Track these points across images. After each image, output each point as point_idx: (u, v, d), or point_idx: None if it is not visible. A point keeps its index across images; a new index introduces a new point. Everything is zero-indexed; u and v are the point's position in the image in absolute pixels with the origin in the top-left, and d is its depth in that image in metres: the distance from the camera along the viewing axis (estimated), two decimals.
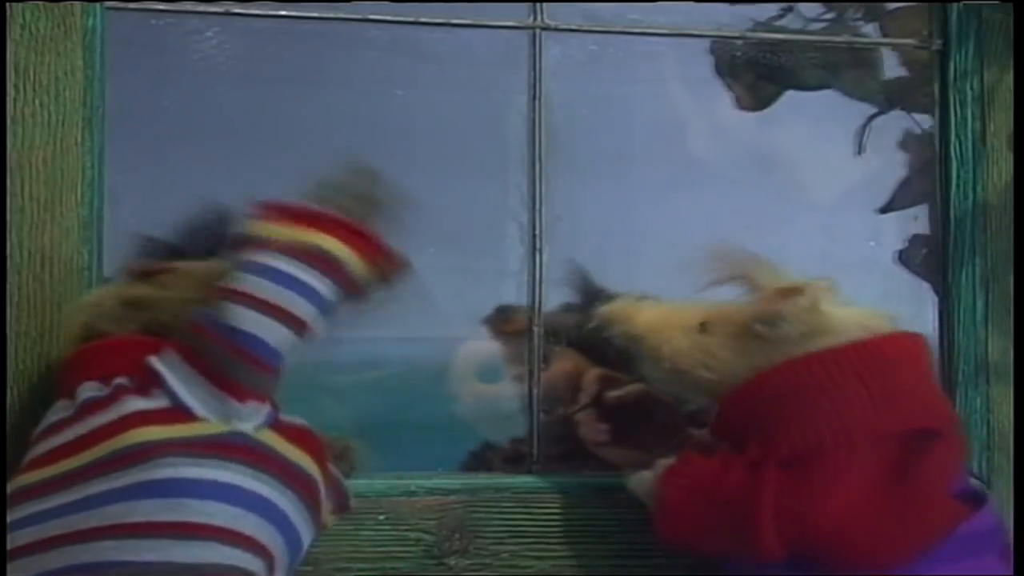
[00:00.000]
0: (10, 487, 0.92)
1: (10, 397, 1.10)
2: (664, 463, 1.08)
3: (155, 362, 0.92)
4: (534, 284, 1.26)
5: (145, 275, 1.05)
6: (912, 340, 1.05)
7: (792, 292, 1.01)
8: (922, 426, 1.01)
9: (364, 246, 0.96)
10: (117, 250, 1.18)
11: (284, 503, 0.90)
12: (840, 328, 1.01)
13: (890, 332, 1.04)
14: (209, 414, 0.90)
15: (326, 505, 0.99)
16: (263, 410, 0.93)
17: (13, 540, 0.87)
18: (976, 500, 1.03)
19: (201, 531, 0.85)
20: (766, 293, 1.03)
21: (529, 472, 1.24)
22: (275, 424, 0.94)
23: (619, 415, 1.26)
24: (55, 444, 0.92)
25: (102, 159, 1.16)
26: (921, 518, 0.97)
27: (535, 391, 1.25)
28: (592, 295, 1.29)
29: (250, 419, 0.91)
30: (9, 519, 0.89)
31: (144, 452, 0.87)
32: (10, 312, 1.11)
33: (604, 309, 1.12)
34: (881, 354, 1.01)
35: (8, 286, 1.11)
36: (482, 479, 1.23)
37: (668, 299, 1.17)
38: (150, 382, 0.92)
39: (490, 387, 1.33)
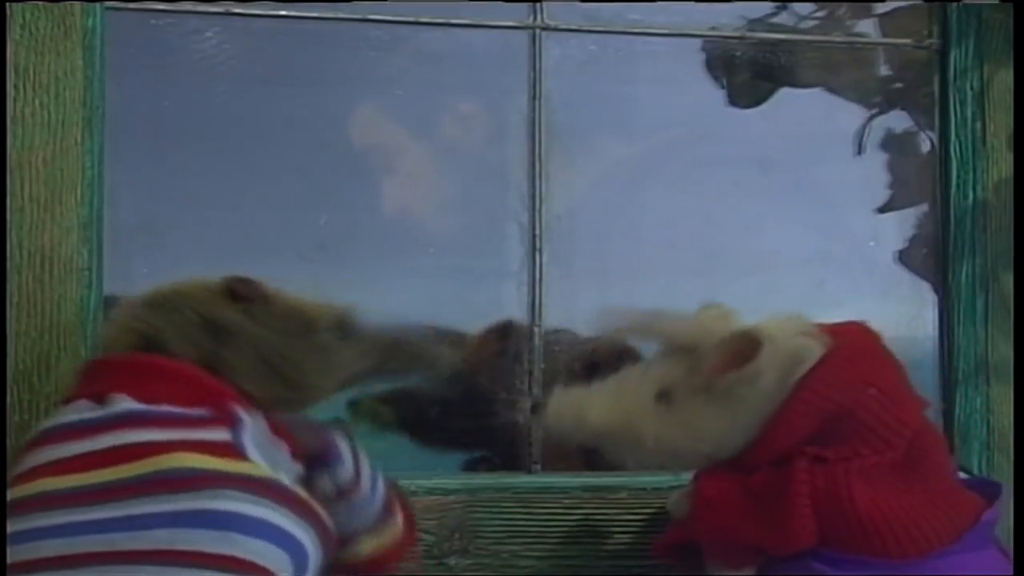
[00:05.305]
0: (29, 489, 0.87)
1: (10, 397, 1.10)
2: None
3: (239, 408, 0.91)
4: (534, 284, 1.26)
5: (240, 298, 0.99)
6: (864, 329, 1.06)
7: (751, 344, 0.99)
8: (922, 419, 1.02)
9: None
10: (117, 250, 1.18)
11: (315, 555, 0.90)
12: (805, 353, 1.00)
13: (843, 329, 1.04)
14: (260, 458, 0.89)
15: None
16: (298, 469, 0.93)
17: (35, 550, 0.84)
18: (990, 492, 1.04)
19: (245, 567, 0.84)
20: (716, 349, 1.01)
21: (529, 472, 1.24)
22: (304, 483, 0.94)
23: None
24: (82, 450, 0.88)
25: (102, 159, 1.16)
26: (942, 509, 0.98)
27: (535, 390, 1.25)
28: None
29: (290, 473, 0.92)
30: (30, 524, 0.85)
31: (197, 480, 0.85)
32: (10, 312, 1.11)
33: (551, 419, 1.06)
34: (866, 352, 1.02)
35: (8, 286, 1.11)
36: (482, 479, 1.23)
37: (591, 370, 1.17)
38: (217, 420, 0.90)
39: None
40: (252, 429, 0.90)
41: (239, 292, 0.99)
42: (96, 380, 0.94)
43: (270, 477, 0.89)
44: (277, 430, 0.92)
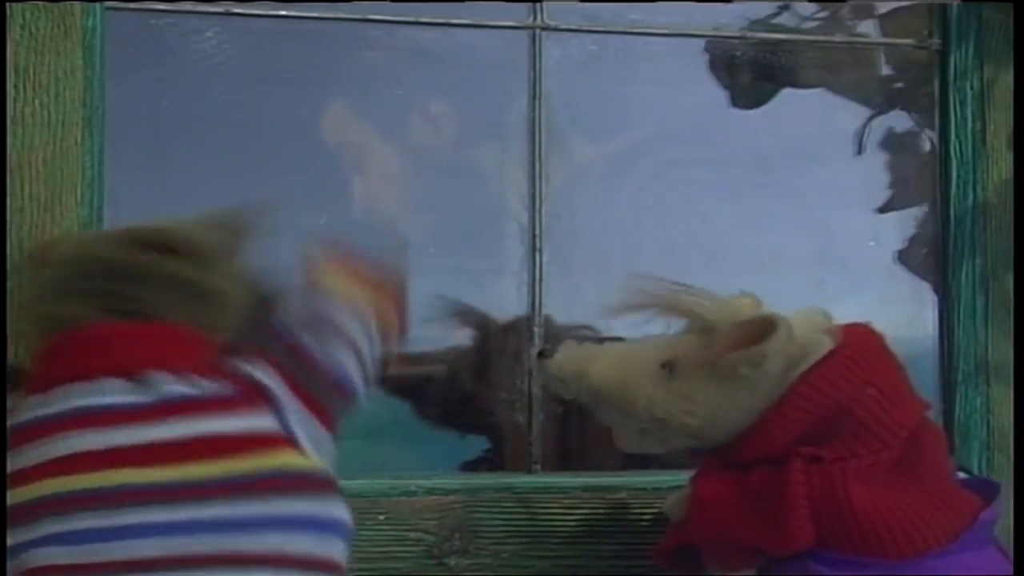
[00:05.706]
0: (98, 480, 0.84)
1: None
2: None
3: (265, 379, 0.89)
4: (534, 284, 1.26)
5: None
6: (869, 330, 1.06)
7: (766, 328, 0.99)
8: (920, 419, 1.03)
9: (402, 321, 1.00)
10: None
11: None
12: (814, 348, 1.01)
13: (849, 330, 1.04)
14: (309, 446, 0.89)
15: None
16: (332, 440, 0.93)
17: (118, 549, 0.82)
18: (989, 492, 1.04)
19: (332, 568, 0.87)
20: (731, 329, 1.01)
21: (529, 472, 1.24)
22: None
23: None
24: (147, 439, 0.86)
25: (102, 159, 1.16)
26: (939, 509, 0.99)
27: (534, 391, 1.25)
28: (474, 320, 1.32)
29: (328, 449, 0.91)
30: (107, 522, 0.83)
31: (297, 482, 0.87)
32: (10, 312, 1.11)
33: (554, 366, 1.07)
34: (868, 353, 1.03)
35: (8, 286, 1.11)
36: (482, 479, 1.23)
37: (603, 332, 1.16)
38: (255, 397, 0.88)
39: None
40: (285, 398, 0.89)
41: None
42: (111, 353, 0.90)
43: (325, 468, 0.89)
44: (309, 403, 0.90)
